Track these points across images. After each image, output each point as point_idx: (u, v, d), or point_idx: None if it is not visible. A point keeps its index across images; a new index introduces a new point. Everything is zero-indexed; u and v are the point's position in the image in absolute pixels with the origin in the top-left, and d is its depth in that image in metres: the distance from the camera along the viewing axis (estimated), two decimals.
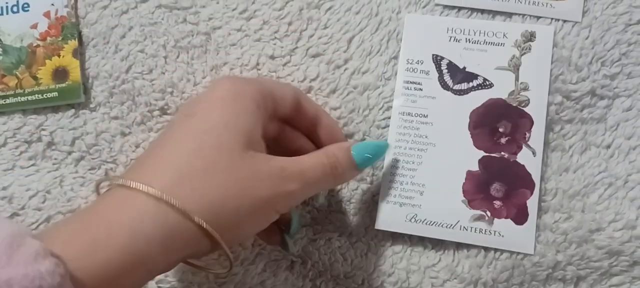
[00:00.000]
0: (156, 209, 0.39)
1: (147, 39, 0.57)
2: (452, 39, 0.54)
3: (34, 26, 0.57)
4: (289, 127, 0.51)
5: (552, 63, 0.54)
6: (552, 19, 0.55)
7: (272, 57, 0.56)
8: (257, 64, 0.56)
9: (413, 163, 0.53)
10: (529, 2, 0.55)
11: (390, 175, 0.53)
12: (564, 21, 0.55)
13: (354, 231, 0.54)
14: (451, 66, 0.54)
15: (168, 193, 0.39)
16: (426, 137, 0.53)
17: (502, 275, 0.51)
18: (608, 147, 0.54)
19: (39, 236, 0.37)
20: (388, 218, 0.52)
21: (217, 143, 0.42)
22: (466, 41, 0.54)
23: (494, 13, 0.55)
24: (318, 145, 0.51)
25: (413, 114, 0.53)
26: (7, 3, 0.57)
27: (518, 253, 0.51)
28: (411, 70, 0.54)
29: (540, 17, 0.55)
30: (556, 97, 0.53)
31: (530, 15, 0.55)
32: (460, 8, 0.56)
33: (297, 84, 0.55)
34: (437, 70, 0.54)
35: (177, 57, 0.56)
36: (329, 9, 0.57)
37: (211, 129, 0.43)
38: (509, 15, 0.55)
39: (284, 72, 0.56)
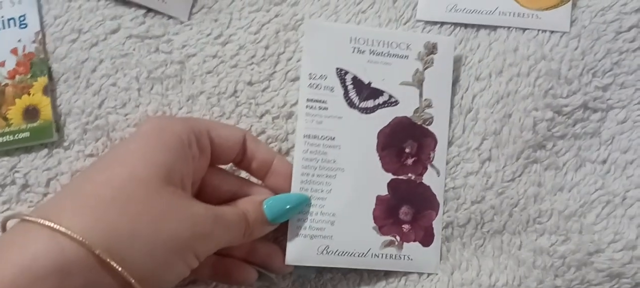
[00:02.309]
0: (50, 242, 0.37)
1: (118, 71, 0.55)
2: (356, 50, 0.52)
3: (1, 64, 0.55)
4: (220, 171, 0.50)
5: (453, 77, 0.53)
6: (538, 30, 0.53)
7: (250, 83, 0.54)
8: (235, 91, 0.54)
9: (322, 191, 0.51)
10: (514, 14, 0.53)
11: None
12: (552, 32, 0.53)
13: None
14: (356, 81, 0.52)
15: (67, 226, 0.37)
16: (334, 161, 0.51)
17: None
18: (604, 162, 0.53)
19: None
20: (299, 252, 0.50)
21: (130, 174, 0.41)
22: (370, 53, 0.52)
23: (477, 27, 0.54)
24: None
25: (319, 137, 0.51)
26: None
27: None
28: (314, 86, 0.51)
29: (526, 29, 0.53)
30: (547, 112, 0.52)
31: (516, 28, 0.53)
32: (442, 23, 0.54)
33: (277, 110, 0.54)
34: (342, 86, 0.51)
35: (151, 88, 0.54)
36: None
37: (125, 160, 0.42)
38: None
39: (263, 97, 0.54)
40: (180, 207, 0.42)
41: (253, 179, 0.52)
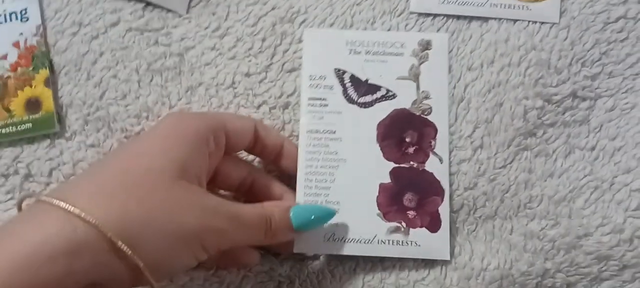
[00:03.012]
0: (64, 223, 0.37)
1: (119, 63, 0.55)
2: (352, 51, 0.54)
3: (4, 57, 0.55)
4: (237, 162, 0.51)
5: (449, 71, 0.54)
6: (529, 21, 0.54)
7: (248, 75, 0.55)
8: (233, 82, 0.55)
9: (326, 181, 0.52)
10: (504, 6, 0.54)
11: (305, 196, 0.52)
12: (542, 23, 0.54)
13: None
14: (354, 79, 0.54)
15: (82, 208, 0.38)
16: (336, 153, 0.52)
17: (491, 286, 0.51)
18: (592, 149, 0.53)
19: None
20: (306, 240, 0.51)
21: (148, 166, 0.42)
22: (366, 53, 0.54)
23: (469, 18, 0.55)
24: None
25: (321, 131, 0.53)
26: None
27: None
28: (314, 86, 0.54)
29: (517, 20, 0.54)
30: (537, 101, 0.53)
31: (507, 19, 0.54)
32: (435, 15, 0.55)
33: (274, 101, 0.55)
34: (341, 84, 0.53)
35: (151, 80, 0.55)
36: (303, 22, 0.56)
37: (145, 153, 0.43)
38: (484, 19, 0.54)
39: (260, 88, 0.55)
40: (193, 200, 0.42)
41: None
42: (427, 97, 0.53)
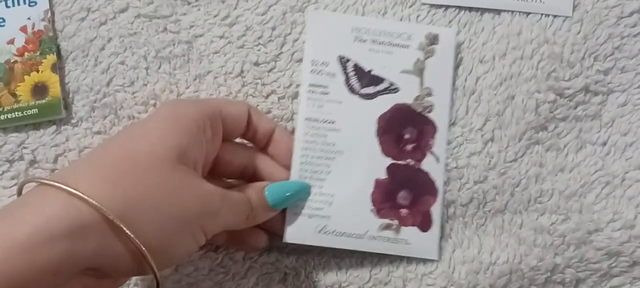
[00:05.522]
0: (67, 205, 0.37)
1: (127, 50, 0.55)
2: (358, 39, 0.53)
3: (11, 41, 0.55)
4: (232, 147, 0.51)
5: (457, 60, 0.54)
6: (541, 14, 0.54)
7: (257, 64, 0.55)
8: (242, 71, 0.55)
9: (321, 173, 0.51)
10: None
11: None
12: (554, 16, 0.54)
13: None
14: (357, 69, 0.52)
15: (84, 190, 0.37)
16: (334, 144, 0.52)
17: (500, 281, 0.51)
18: (604, 144, 0.53)
19: None
20: (297, 230, 0.51)
21: (149, 151, 0.42)
22: (372, 42, 0.53)
23: (482, 10, 0.55)
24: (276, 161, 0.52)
25: (320, 120, 0.52)
26: None
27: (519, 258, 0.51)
28: (316, 72, 0.52)
29: (530, 13, 0.54)
30: (549, 95, 0.53)
31: (519, 12, 0.54)
32: (447, 7, 0.54)
33: (283, 90, 0.54)
34: (343, 73, 0.52)
35: (159, 67, 0.55)
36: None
37: (145, 138, 0.43)
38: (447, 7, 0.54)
39: (269, 78, 0.54)
40: (192, 185, 0.43)
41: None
42: (429, 94, 0.52)
